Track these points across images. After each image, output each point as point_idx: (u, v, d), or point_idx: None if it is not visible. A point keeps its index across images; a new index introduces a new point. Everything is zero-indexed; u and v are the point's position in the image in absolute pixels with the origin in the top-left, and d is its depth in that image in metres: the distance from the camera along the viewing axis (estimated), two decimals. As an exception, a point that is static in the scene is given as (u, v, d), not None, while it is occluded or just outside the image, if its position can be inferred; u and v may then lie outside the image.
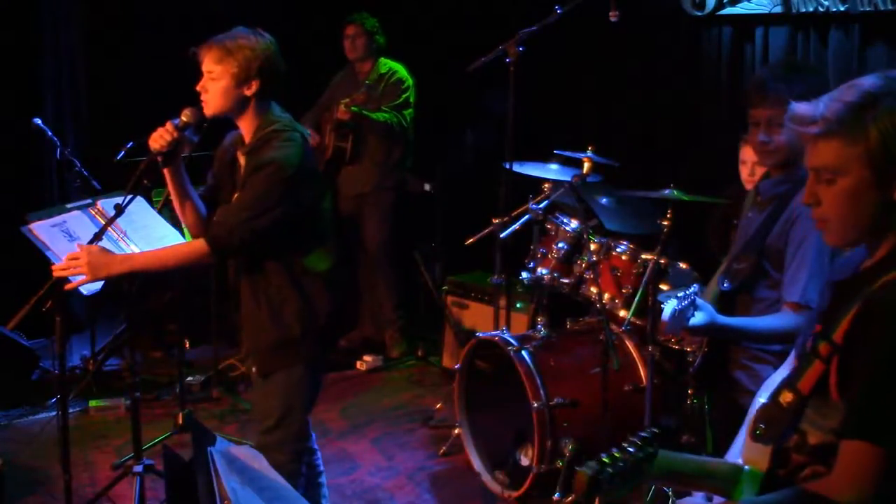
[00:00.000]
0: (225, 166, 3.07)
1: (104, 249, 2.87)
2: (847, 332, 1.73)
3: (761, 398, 2.07)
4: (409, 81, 5.47)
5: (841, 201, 1.76)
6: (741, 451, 1.99)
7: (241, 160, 2.97)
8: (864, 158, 1.72)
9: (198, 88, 2.90)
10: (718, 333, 2.83)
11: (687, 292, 2.74)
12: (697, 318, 2.74)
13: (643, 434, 1.81)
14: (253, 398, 3.26)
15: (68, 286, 2.85)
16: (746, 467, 1.90)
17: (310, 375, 3.05)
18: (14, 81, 5.62)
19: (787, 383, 1.85)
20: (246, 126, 2.95)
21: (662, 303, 2.80)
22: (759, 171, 3.47)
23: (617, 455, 1.75)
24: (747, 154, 3.70)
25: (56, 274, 2.84)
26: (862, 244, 1.84)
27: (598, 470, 1.71)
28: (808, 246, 2.77)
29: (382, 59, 5.52)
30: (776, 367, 2.74)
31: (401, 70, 5.48)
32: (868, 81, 1.75)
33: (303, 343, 2.98)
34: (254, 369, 3.13)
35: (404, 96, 5.44)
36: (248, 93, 2.87)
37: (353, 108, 5.27)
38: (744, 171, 3.77)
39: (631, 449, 1.77)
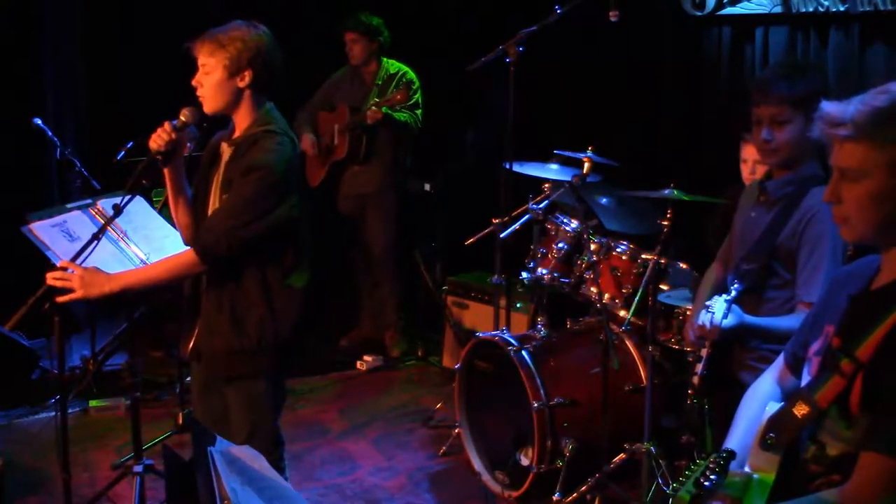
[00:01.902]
0: (207, 160, 3.05)
1: (97, 269, 2.86)
2: (876, 350, 1.75)
3: (756, 406, 2.08)
4: (418, 82, 5.48)
5: (862, 203, 1.81)
6: (743, 459, 1.99)
7: (225, 151, 2.94)
8: (889, 165, 1.76)
9: (193, 83, 2.89)
10: (745, 334, 2.84)
11: (729, 297, 2.77)
12: (729, 320, 2.75)
13: (722, 455, 1.89)
14: (198, 401, 3.14)
15: (60, 299, 2.82)
16: (755, 475, 1.91)
17: (272, 387, 2.99)
18: (14, 81, 5.62)
19: (802, 395, 1.86)
20: (241, 120, 2.92)
21: (710, 306, 2.80)
22: (760, 169, 3.47)
23: (712, 477, 1.85)
24: (748, 152, 3.70)
25: (49, 282, 2.83)
26: (877, 244, 1.88)
27: (697, 494, 1.82)
28: (822, 247, 2.77)
29: (388, 60, 5.52)
30: None
31: (410, 71, 5.49)
32: None
33: (260, 354, 2.91)
34: (193, 363, 3.05)
35: (415, 97, 5.44)
36: (241, 84, 2.85)
37: (384, 109, 5.25)
38: (744, 170, 3.77)
39: (717, 469, 1.87)
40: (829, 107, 1.83)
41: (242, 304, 2.89)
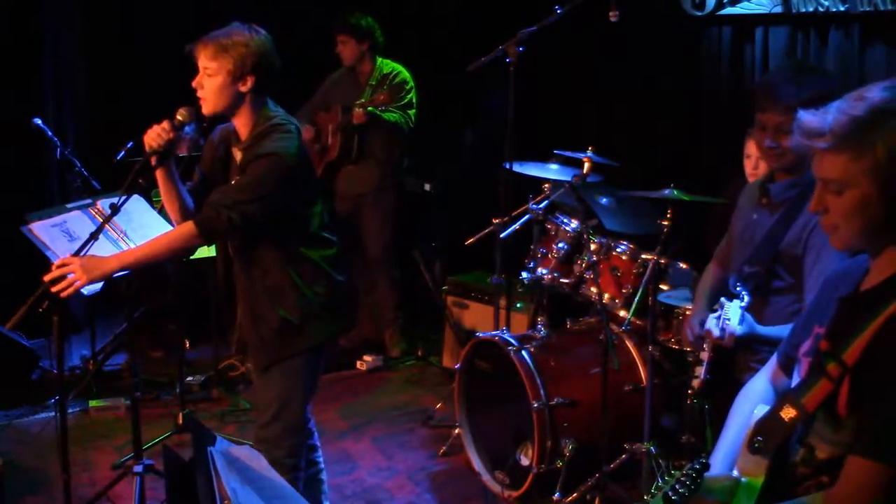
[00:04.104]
0: (217, 161, 3.06)
1: (93, 254, 2.87)
2: (862, 353, 1.74)
3: (749, 407, 2.07)
4: (412, 82, 5.47)
5: (849, 212, 1.79)
6: (735, 461, 1.99)
7: (237, 156, 2.96)
8: (871, 173, 1.74)
9: (194, 85, 2.90)
10: (753, 342, 2.83)
11: (743, 304, 2.76)
12: (742, 328, 2.74)
13: (696, 465, 1.87)
14: (255, 396, 3.28)
15: (65, 293, 2.81)
16: (743, 479, 1.91)
17: (308, 366, 3.05)
18: (14, 81, 5.62)
19: (790, 398, 1.86)
20: (242, 122, 2.94)
21: (724, 313, 2.77)
22: (763, 165, 3.45)
23: (680, 491, 1.83)
24: (752, 148, 3.69)
25: (53, 289, 2.81)
26: (866, 249, 1.87)
27: None
28: (830, 251, 2.76)
29: (383, 60, 5.52)
30: None
31: (403, 71, 5.48)
32: (877, 95, 1.75)
33: (303, 330, 2.99)
34: (250, 366, 3.14)
35: (408, 97, 5.43)
36: (243, 89, 2.87)
37: (369, 108, 5.25)
38: (748, 165, 3.76)
39: (688, 482, 1.85)
40: (807, 117, 1.80)
41: (275, 287, 2.96)
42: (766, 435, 1.88)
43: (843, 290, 1.92)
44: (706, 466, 1.88)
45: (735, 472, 1.95)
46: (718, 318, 2.79)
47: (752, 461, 1.91)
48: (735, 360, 2.96)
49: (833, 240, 1.87)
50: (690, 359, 3.16)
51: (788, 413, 1.84)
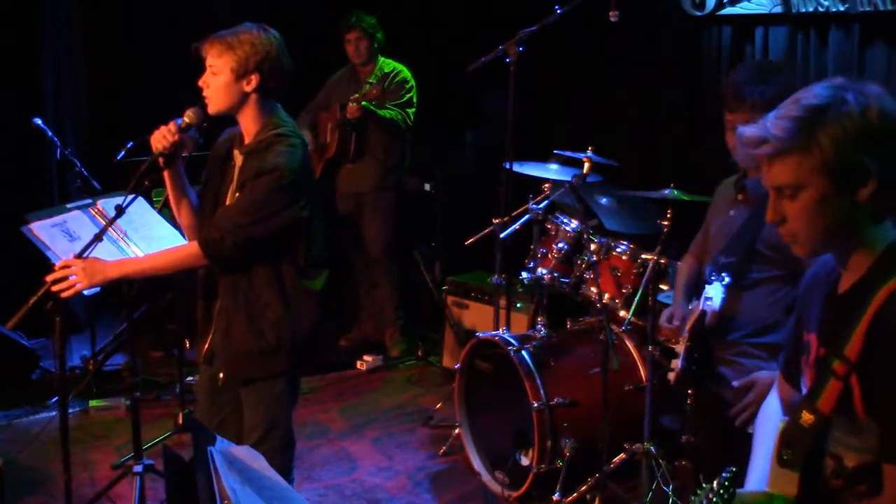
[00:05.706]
0: (216, 162, 3.01)
1: (97, 257, 2.86)
2: (863, 348, 1.72)
3: (771, 426, 2.05)
4: (413, 82, 5.47)
5: (807, 214, 1.76)
6: (765, 478, 1.97)
7: (238, 159, 2.91)
8: (822, 169, 1.72)
9: (199, 84, 2.87)
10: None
11: (725, 283, 2.80)
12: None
13: (727, 475, 1.84)
14: (204, 404, 3.13)
15: (65, 294, 2.81)
16: (775, 494, 1.89)
17: (289, 386, 2.99)
18: (14, 81, 5.62)
19: (804, 403, 1.84)
20: (247, 124, 2.89)
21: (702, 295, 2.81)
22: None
23: (714, 500, 1.80)
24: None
25: (53, 288, 2.81)
26: (832, 251, 1.84)
27: None
28: None
29: (384, 59, 5.52)
30: (765, 361, 2.74)
31: (405, 70, 5.48)
32: (811, 95, 1.75)
33: (278, 355, 2.90)
34: (221, 375, 3.00)
35: (408, 96, 5.43)
36: (247, 88, 2.82)
37: (363, 103, 5.24)
38: None
39: (721, 491, 1.82)
40: (747, 129, 1.79)
41: (257, 306, 2.87)
42: (792, 446, 1.85)
43: (821, 291, 1.90)
44: (737, 475, 1.86)
45: (766, 488, 1.93)
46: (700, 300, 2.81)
47: (782, 476, 1.87)
48: (711, 353, 2.96)
49: (796, 248, 1.83)
50: (677, 350, 3.15)
51: (807, 419, 1.81)
